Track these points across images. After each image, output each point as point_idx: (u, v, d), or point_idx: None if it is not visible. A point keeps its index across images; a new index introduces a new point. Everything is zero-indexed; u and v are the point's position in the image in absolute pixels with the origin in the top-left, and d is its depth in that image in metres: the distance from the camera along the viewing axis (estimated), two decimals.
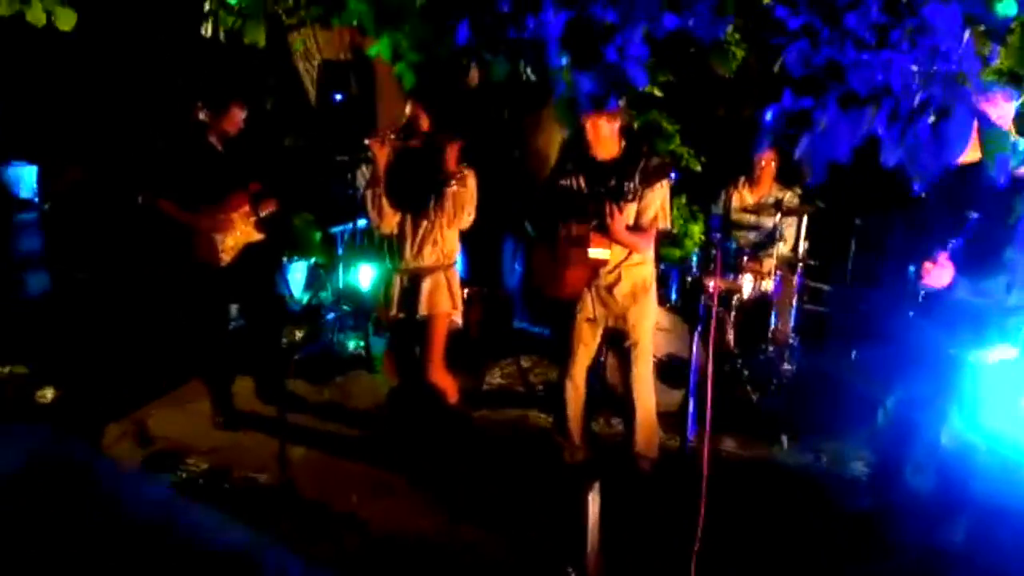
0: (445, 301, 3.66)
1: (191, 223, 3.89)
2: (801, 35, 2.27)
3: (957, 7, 2.08)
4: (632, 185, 3.39)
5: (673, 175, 3.45)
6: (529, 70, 2.48)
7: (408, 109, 3.70)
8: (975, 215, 2.87)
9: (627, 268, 3.57)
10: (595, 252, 3.46)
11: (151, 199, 3.88)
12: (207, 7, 4.16)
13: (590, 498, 2.54)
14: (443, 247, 3.66)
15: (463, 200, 3.56)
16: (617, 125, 3.46)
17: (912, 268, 3.16)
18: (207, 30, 4.18)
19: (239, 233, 3.99)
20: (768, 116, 2.30)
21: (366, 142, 3.60)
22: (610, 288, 3.58)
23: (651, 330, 3.73)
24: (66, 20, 3.66)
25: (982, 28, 2.21)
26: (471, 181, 3.61)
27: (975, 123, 2.23)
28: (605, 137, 3.44)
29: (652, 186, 3.42)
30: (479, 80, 6.38)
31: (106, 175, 5.93)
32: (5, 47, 5.06)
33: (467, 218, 3.62)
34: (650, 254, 3.67)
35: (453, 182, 3.53)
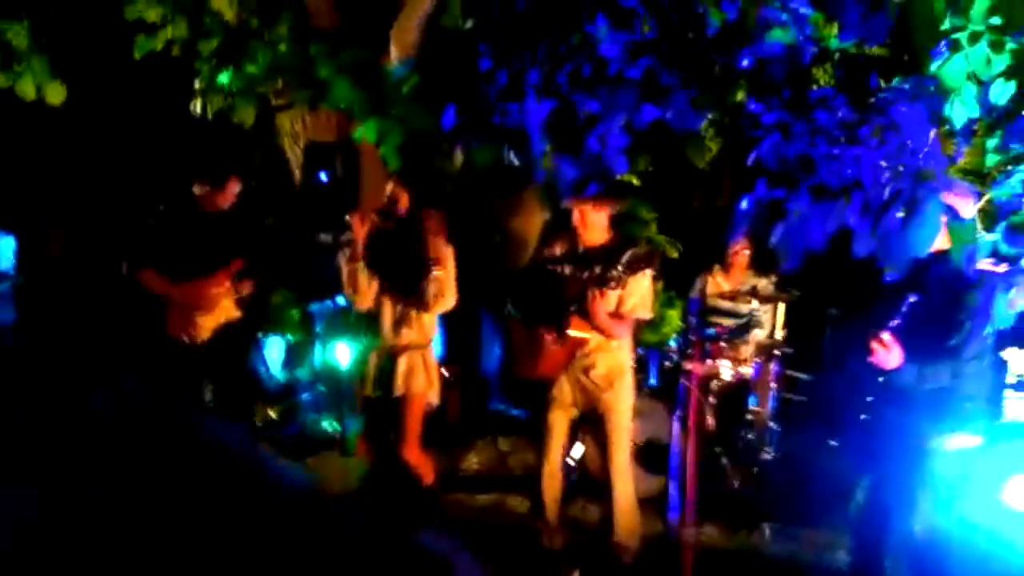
0: (421, 381, 3.64)
1: (175, 296, 3.88)
2: (774, 130, 2.37)
3: (923, 107, 2.18)
4: (616, 272, 3.43)
5: (654, 262, 3.49)
6: (512, 155, 2.54)
7: (389, 188, 3.76)
8: (913, 297, 2.88)
9: (603, 353, 3.58)
10: (575, 333, 3.47)
11: (136, 270, 3.89)
12: (198, 85, 4.25)
13: None
14: (421, 327, 3.66)
15: (442, 286, 3.58)
16: (606, 213, 3.49)
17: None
18: (196, 108, 4.26)
19: (219, 309, 3.97)
20: (744, 204, 2.36)
21: (347, 218, 3.65)
22: (587, 371, 3.58)
23: (628, 415, 3.71)
24: (55, 94, 3.73)
25: (947, 128, 2.31)
26: (451, 264, 3.63)
27: (943, 217, 2.31)
28: (593, 224, 3.46)
29: (636, 274, 3.45)
30: (462, 163, 6.53)
31: (86, 247, 5.91)
32: None
33: (448, 303, 3.64)
34: (627, 341, 3.69)
35: (434, 268, 3.54)
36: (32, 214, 6.15)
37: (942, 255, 3.01)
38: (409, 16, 5.26)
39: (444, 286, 3.58)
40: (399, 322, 3.64)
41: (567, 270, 3.57)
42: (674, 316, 7.43)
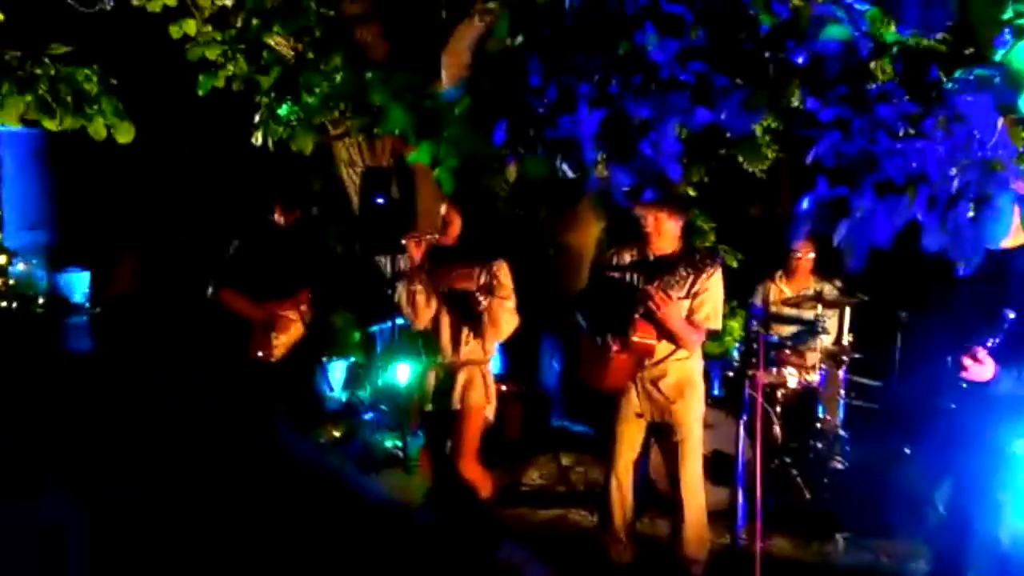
0: (478, 395, 3.65)
1: (256, 316, 4.06)
2: (833, 127, 2.32)
3: (990, 97, 2.11)
4: (683, 276, 3.40)
5: (719, 259, 3.45)
6: (565, 166, 2.55)
7: (443, 210, 3.81)
8: (1011, 314, 2.79)
9: (673, 363, 3.53)
10: (640, 339, 3.42)
11: (220, 292, 4.08)
12: (258, 118, 4.39)
13: None
14: (479, 344, 3.69)
15: (495, 314, 3.60)
16: (679, 222, 3.48)
17: (949, 360, 3.09)
18: (258, 139, 4.40)
19: (292, 330, 4.11)
20: (804, 204, 2.32)
21: (403, 241, 3.71)
22: (655, 382, 3.53)
23: (699, 426, 3.63)
24: (125, 133, 3.89)
25: (1014, 116, 2.23)
26: (507, 287, 3.64)
27: (1016, 208, 2.23)
28: (667, 233, 3.46)
29: (706, 278, 3.42)
30: (516, 178, 6.58)
31: (157, 278, 6.13)
32: (65, 155, 5.36)
33: (503, 331, 3.66)
34: (698, 351, 3.63)
35: (482, 298, 3.56)
36: (104, 250, 6.42)
37: (1020, 251, 2.93)
38: (459, 40, 5.34)
39: (497, 314, 3.59)
40: (456, 340, 3.68)
41: (636, 278, 3.55)
42: (736, 327, 7.30)
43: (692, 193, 6.81)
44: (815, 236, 5.32)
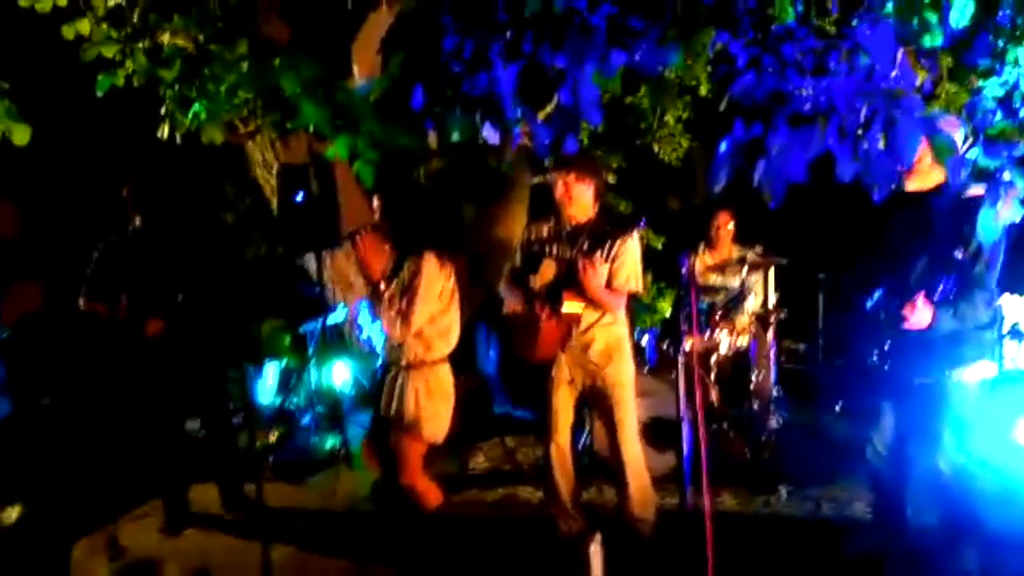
0: (415, 405, 3.41)
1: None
2: (747, 70, 2.37)
3: (888, 27, 2.18)
4: (604, 245, 3.42)
5: (642, 223, 3.46)
6: (487, 128, 2.52)
7: (376, 204, 3.73)
8: (959, 254, 2.87)
9: (600, 328, 3.55)
10: (568, 307, 3.43)
11: (90, 304, 3.90)
12: (164, 110, 4.22)
13: (592, 551, 2.43)
14: (420, 345, 3.43)
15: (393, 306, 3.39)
16: (590, 186, 3.46)
17: (882, 310, 3.19)
18: (164, 133, 4.23)
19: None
20: (723, 147, 2.35)
21: (349, 240, 3.54)
22: (585, 349, 3.55)
23: (631, 388, 3.67)
24: (21, 136, 3.67)
25: (913, 47, 2.32)
26: (424, 278, 3.38)
27: (925, 144, 2.32)
28: (577, 197, 3.45)
29: (621, 243, 3.44)
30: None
31: (64, 293, 5.82)
32: None
33: (412, 324, 3.37)
34: (622, 315, 3.66)
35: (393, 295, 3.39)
36: (5, 270, 6.09)
37: (936, 192, 3.04)
38: (370, 31, 5.28)
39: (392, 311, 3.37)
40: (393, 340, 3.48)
41: (555, 249, 3.56)
42: (665, 307, 7.46)
43: (611, 180, 6.92)
44: (731, 204, 5.51)
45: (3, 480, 4.10)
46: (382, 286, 3.39)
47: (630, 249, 3.49)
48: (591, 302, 3.47)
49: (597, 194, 3.51)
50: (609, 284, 3.47)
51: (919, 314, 2.89)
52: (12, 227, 5.88)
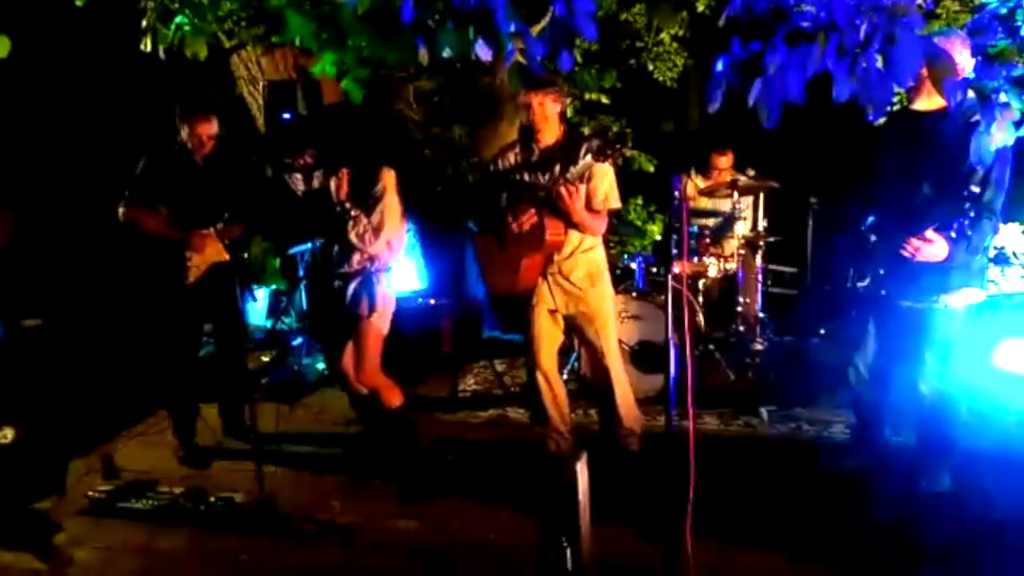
0: (367, 304, 3.50)
1: (169, 235, 3.85)
2: None
3: None
4: (580, 165, 3.36)
5: (619, 145, 3.42)
6: (479, 45, 2.46)
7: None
8: (976, 189, 2.83)
9: (581, 255, 3.56)
10: (552, 236, 3.43)
11: (132, 212, 3.85)
12: (145, 23, 4.09)
13: (578, 468, 2.50)
14: (364, 253, 3.49)
15: (360, 225, 3.43)
16: (559, 107, 3.48)
17: (871, 232, 3.18)
18: (147, 45, 4.11)
19: (208, 251, 3.90)
20: (719, 66, 2.31)
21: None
22: (567, 276, 3.55)
23: (612, 311, 3.72)
24: (0, 47, 3.55)
25: None
26: (388, 197, 3.44)
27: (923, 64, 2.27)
28: (550, 119, 3.44)
29: (602, 162, 3.37)
30: (428, 62, 6.40)
31: (46, 214, 5.75)
32: None
33: (378, 240, 3.44)
34: (600, 238, 3.66)
35: (351, 210, 3.43)
36: None
37: (936, 116, 3.00)
38: None
39: (362, 225, 3.41)
40: (342, 249, 3.52)
41: (526, 176, 3.53)
42: (655, 230, 7.45)
43: (605, 100, 6.81)
44: (730, 145, 5.45)
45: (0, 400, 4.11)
46: (347, 204, 3.44)
47: (604, 168, 3.46)
48: (573, 227, 3.46)
49: (562, 115, 3.51)
50: (588, 206, 3.46)
51: (935, 247, 2.87)
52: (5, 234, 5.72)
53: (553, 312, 3.63)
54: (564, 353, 4.25)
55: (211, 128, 3.91)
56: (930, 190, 2.99)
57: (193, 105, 3.89)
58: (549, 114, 3.44)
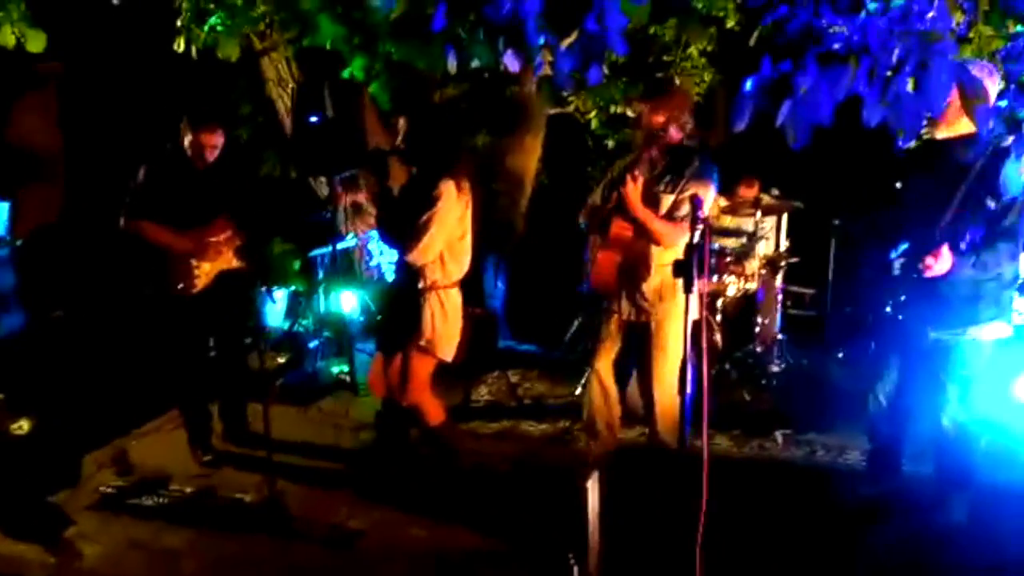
0: (427, 327, 3.44)
1: (175, 246, 3.79)
2: (779, 3, 2.29)
3: None
4: (677, 177, 3.37)
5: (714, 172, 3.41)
6: (509, 56, 2.46)
7: (401, 125, 3.66)
8: (992, 203, 2.80)
9: (658, 267, 3.50)
10: (617, 231, 3.42)
11: (133, 223, 3.80)
12: (180, 23, 4.14)
13: (589, 486, 2.48)
14: (428, 270, 3.42)
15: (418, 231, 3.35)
16: (678, 120, 3.40)
17: (898, 260, 3.14)
18: (180, 46, 4.15)
19: (219, 259, 3.89)
20: (748, 85, 2.29)
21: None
22: (638, 284, 3.52)
23: (678, 333, 3.55)
24: (36, 42, 3.62)
25: None
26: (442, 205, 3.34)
27: (956, 92, 2.25)
28: (669, 132, 3.39)
29: (691, 177, 3.38)
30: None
31: (77, 207, 5.82)
32: None
33: (426, 250, 3.35)
34: (679, 252, 3.63)
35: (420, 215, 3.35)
36: (24, 178, 6.06)
37: (961, 142, 2.97)
38: None
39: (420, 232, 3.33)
40: (404, 264, 3.46)
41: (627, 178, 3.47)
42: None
43: (631, 113, 6.80)
44: (758, 173, 5.41)
45: (16, 391, 4.15)
46: (402, 211, 3.37)
47: (703, 185, 3.38)
48: (640, 228, 3.40)
49: (682, 129, 3.44)
50: (671, 213, 3.41)
51: (941, 262, 2.83)
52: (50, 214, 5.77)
53: (620, 320, 3.61)
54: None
55: (216, 138, 3.83)
56: (953, 217, 2.95)
57: (201, 114, 3.83)
58: (664, 124, 3.38)
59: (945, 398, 3.11)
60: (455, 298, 3.53)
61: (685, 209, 3.41)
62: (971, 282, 2.93)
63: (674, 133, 3.43)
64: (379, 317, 3.66)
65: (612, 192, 3.54)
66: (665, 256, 3.47)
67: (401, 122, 3.68)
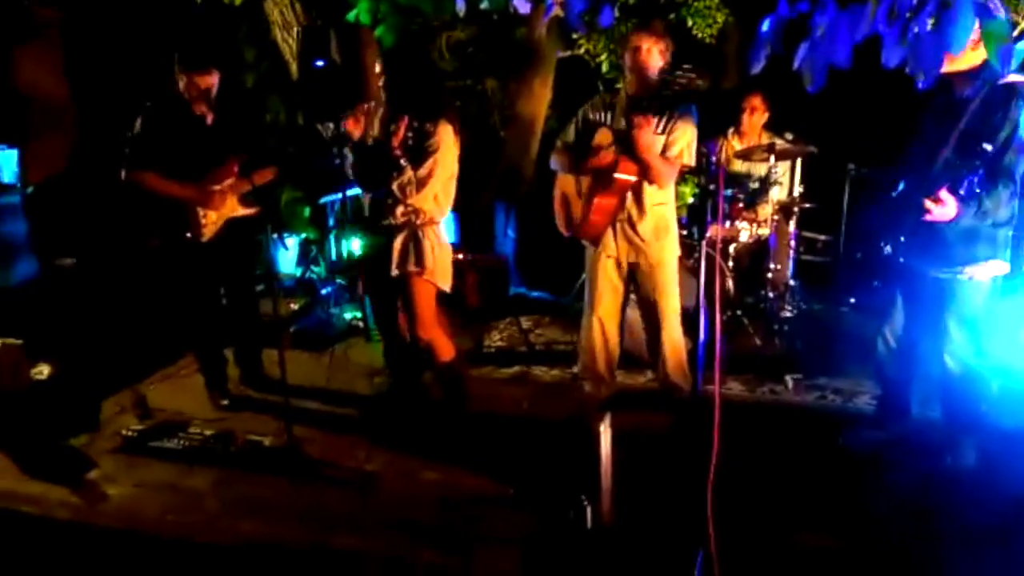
0: (413, 261, 3.48)
1: (178, 195, 3.77)
2: None
3: None
4: (663, 116, 3.38)
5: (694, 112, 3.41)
6: None
7: (378, 70, 3.65)
8: (988, 147, 2.79)
9: (652, 208, 3.56)
10: (622, 174, 3.41)
11: (134, 174, 3.77)
12: None
13: (601, 428, 2.51)
14: (412, 206, 3.44)
15: (406, 175, 3.39)
16: (664, 55, 3.40)
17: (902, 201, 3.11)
18: None
19: (225, 207, 3.87)
20: (765, 26, 2.24)
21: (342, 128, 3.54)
22: (634, 226, 3.56)
23: (675, 268, 3.70)
24: None
25: None
26: (443, 149, 3.41)
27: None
28: (652, 65, 3.39)
29: (683, 119, 3.43)
30: (466, 12, 6.31)
31: (87, 156, 5.80)
32: None
33: (426, 191, 3.41)
34: (671, 194, 3.66)
35: (401, 159, 3.37)
36: (32, 126, 6.04)
37: (969, 76, 2.91)
38: None
39: (407, 176, 3.37)
40: (388, 201, 3.46)
41: (611, 119, 3.54)
42: (687, 192, 7.35)
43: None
44: (764, 88, 5.32)
45: (34, 337, 4.21)
46: (399, 153, 3.38)
47: (689, 125, 3.47)
48: (645, 169, 3.41)
49: (662, 70, 3.43)
50: (663, 153, 3.44)
51: (945, 208, 2.80)
52: (62, 162, 5.72)
53: (617, 262, 3.65)
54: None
55: (211, 80, 3.77)
56: (952, 153, 2.92)
57: (192, 55, 3.75)
58: (652, 61, 3.40)
59: (947, 338, 3.12)
60: (443, 231, 3.67)
61: (677, 147, 3.45)
62: (970, 224, 2.91)
63: (659, 72, 3.42)
64: (363, 256, 3.68)
65: (594, 135, 3.54)
66: (657, 196, 3.55)
67: (377, 68, 3.65)
